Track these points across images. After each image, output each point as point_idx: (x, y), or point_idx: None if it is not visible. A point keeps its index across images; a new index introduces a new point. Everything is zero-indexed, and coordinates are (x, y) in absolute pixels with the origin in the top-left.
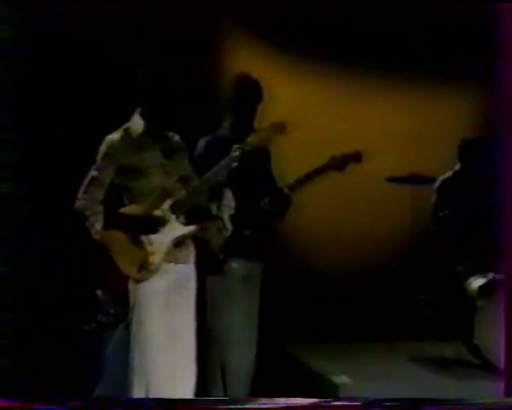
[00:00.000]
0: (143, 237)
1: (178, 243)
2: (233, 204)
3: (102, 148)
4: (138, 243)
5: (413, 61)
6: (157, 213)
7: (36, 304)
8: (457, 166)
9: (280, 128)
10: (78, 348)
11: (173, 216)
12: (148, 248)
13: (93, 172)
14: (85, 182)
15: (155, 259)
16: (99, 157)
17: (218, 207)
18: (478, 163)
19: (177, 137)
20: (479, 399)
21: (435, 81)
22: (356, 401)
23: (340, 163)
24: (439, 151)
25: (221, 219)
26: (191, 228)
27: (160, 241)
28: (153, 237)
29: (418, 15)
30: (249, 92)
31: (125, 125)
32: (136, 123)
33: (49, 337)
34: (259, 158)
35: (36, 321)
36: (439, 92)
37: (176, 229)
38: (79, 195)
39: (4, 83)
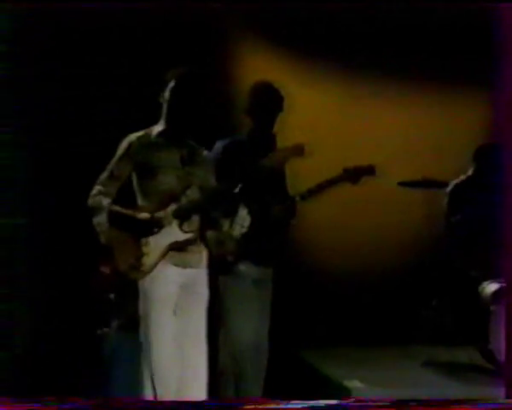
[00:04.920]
0: (142, 238)
1: (179, 248)
2: (246, 223)
3: (123, 145)
4: (136, 243)
5: (423, 66)
6: (160, 215)
7: (49, 308)
8: (470, 171)
9: (299, 150)
10: (90, 351)
11: (175, 221)
12: (144, 249)
13: (111, 167)
14: (102, 177)
15: (148, 260)
16: (119, 153)
17: (230, 225)
18: (493, 168)
19: (204, 151)
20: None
21: (447, 86)
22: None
23: (353, 176)
24: (452, 156)
25: (231, 236)
26: (188, 236)
27: (156, 243)
28: (150, 238)
29: (420, 18)
30: (271, 102)
31: (150, 128)
32: (161, 124)
33: (62, 340)
34: (273, 170)
35: (49, 325)
36: (451, 97)
37: (174, 234)
38: (94, 190)
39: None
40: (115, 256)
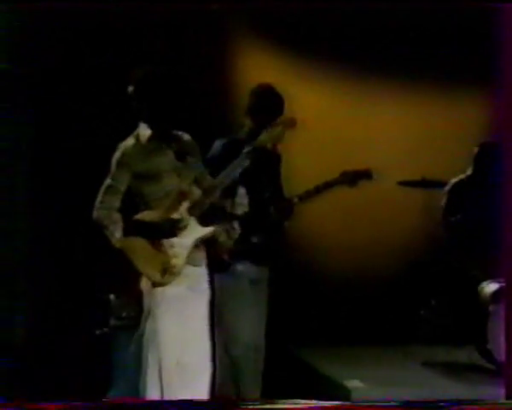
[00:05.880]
0: (164, 241)
1: (197, 244)
2: (245, 201)
3: (116, 155)
4: (160, 248)
5: (423, 66)
6: (175, 216)
7: (49, 308)
8: (470, 171)
9: (290, 123)
10: (90, 351)
11: (192, 218)
12: (170, 252)
13: (109, 181)
14: (101, 191)
15: (178, 262)
16: (114, 165)
17: (232, 205)
18: (493, 168)
19: (186, 137)
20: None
21: (447, 86)
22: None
23: (351, 179)
24: (452, 156)
25: (235, 216)
26: (210, 229)
27: (182, 243)
28: (174, 240)
29: (421, 18)
30: (273, 105)
31: (135, 132)
32: (144, 128)
33: (62, 341)
34: (270, 160)
35: (49, 325)
36: (451, 97)
37: (196, 231)
38: (97, 204)
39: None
40: (138, 265)
